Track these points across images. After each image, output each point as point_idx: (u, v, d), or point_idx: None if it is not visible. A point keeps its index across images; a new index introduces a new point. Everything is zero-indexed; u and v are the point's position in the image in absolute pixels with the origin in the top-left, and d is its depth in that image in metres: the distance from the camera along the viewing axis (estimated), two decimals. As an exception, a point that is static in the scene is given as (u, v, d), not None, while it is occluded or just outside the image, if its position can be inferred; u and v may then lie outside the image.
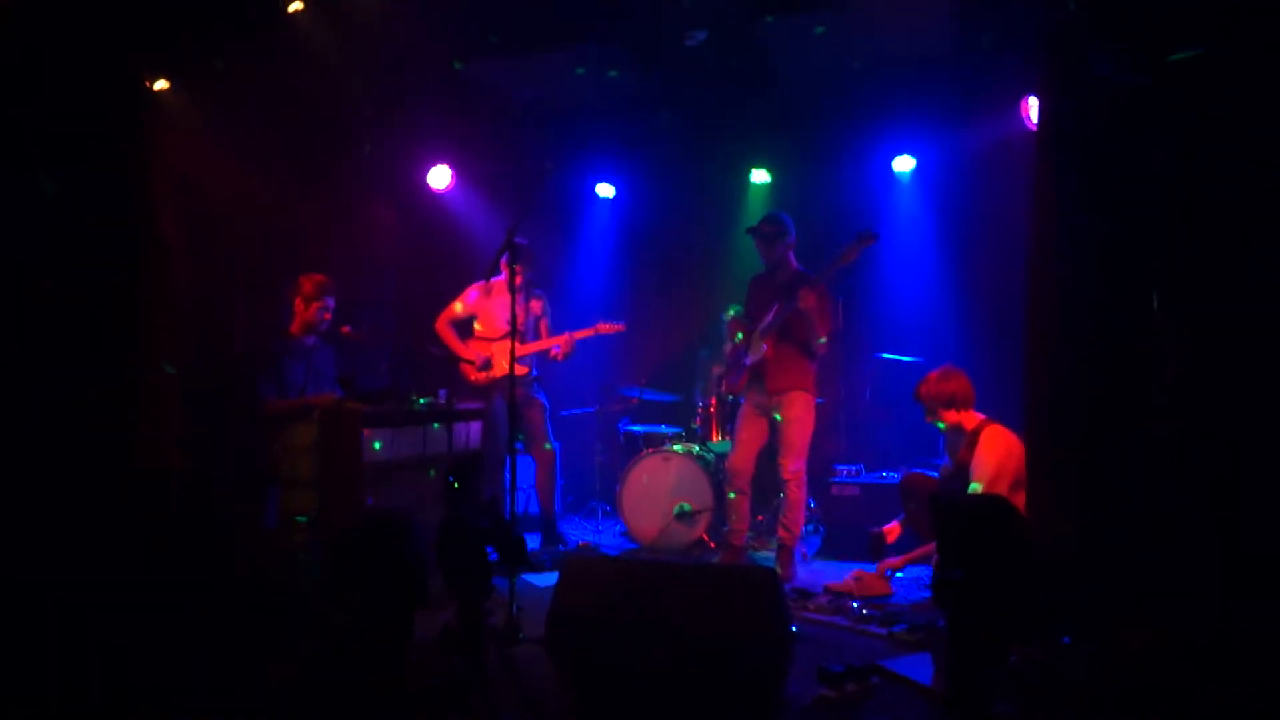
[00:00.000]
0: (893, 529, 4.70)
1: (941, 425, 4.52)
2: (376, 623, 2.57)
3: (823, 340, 4.92)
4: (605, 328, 5.58)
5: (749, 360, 5.11)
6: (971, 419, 4.45)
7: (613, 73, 5.80)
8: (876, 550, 4.62)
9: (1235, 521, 2.87)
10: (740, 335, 5.33)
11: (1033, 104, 4.97)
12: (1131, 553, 3.11)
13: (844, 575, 4.72)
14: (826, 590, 4.53)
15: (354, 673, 2.70)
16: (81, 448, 3.95)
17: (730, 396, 5.46)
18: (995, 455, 4.25)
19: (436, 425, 4.68)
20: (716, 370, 6.12)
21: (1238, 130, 3.03)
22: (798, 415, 4.97)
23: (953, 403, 4.43)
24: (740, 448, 5.15)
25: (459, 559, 2.68)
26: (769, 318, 5.02)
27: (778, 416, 5.06)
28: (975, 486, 4.26)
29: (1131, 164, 3.26)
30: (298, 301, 4.80)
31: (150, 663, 3.09)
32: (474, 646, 2.63)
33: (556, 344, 5.47)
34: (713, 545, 5.50)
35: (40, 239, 4.00)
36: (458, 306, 5.63)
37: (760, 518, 5.72)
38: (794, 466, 4.97)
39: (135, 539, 3.78)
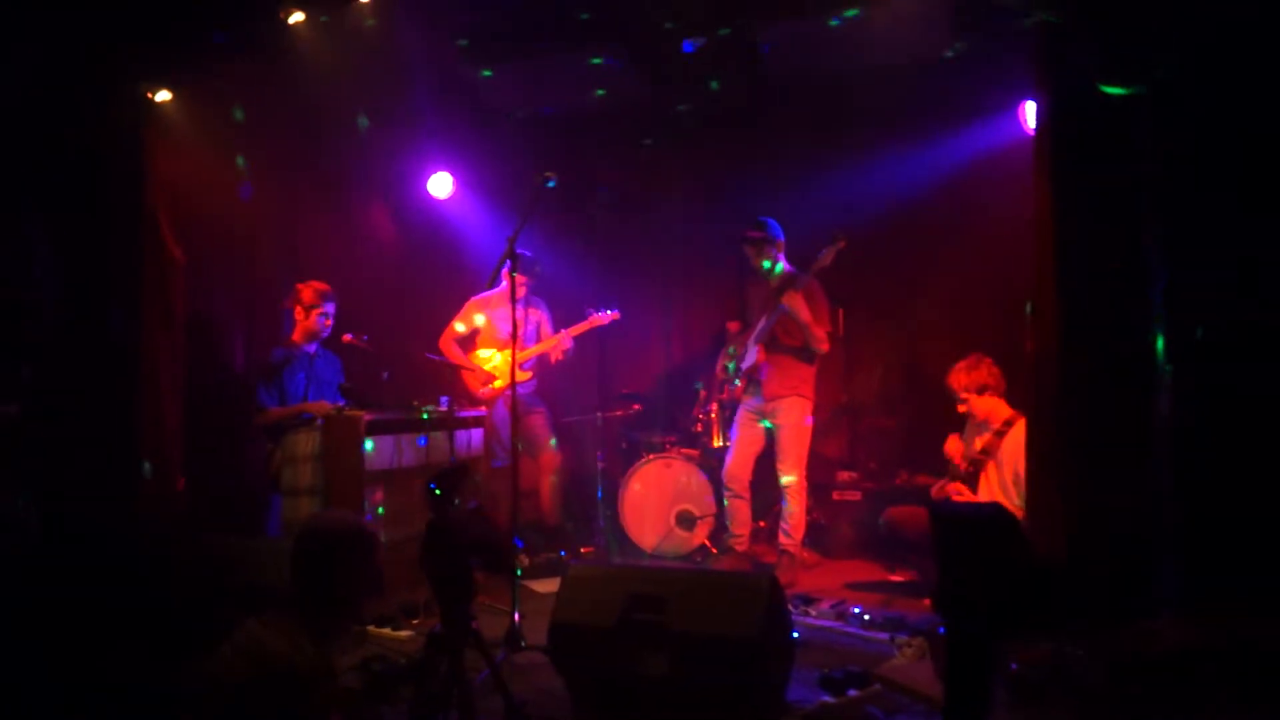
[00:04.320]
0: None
1: (975, 415, 4.46)
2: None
3: (821, 341, 4.91)
4: (598, 318, 5.59)
5: (744, 365, 5.13)
6: (1003, 409, 4.43)
7: (600, 92, 5.84)
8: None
9: (1235, 528, 2.88)
10: (732, 351, 5.36)
11: (1029, 108, 4.97)
12: (1130, 559, 3.12)
13: (847, 581, 4.71)
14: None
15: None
16: (85, 465, 3.97)
17: (729, 400, 5.48)
18: None
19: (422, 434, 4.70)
20: (718, 375, 6.14)
21: (1230, 135, 3.05)
22: (793, 422, 4.97)
23: (985, 389, 4.42)
24: (737, 453, 5.16)
25: (441, 566, 2.70)
26: (761, 322, 5.04)
27: (766, 424, 5.08)
28: (1018, 479, 4.19)
29: (1126, 167, 3.27)
30: (298, 310, 4.82)
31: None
32: (458, 652, 2.64)
33: (554, 344, 5.49)
34: (715, 551, 5.50)
35: (43, 255, 4.02)
36: (458, 323, 5.65)
37: (762, 524, 5.72)
38: (791, 475, 4.97)
39: (141, 552, 3.79)
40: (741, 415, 5.19)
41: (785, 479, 4.97)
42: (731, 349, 5.44)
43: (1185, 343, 3.10)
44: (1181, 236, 3.14)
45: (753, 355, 5.08)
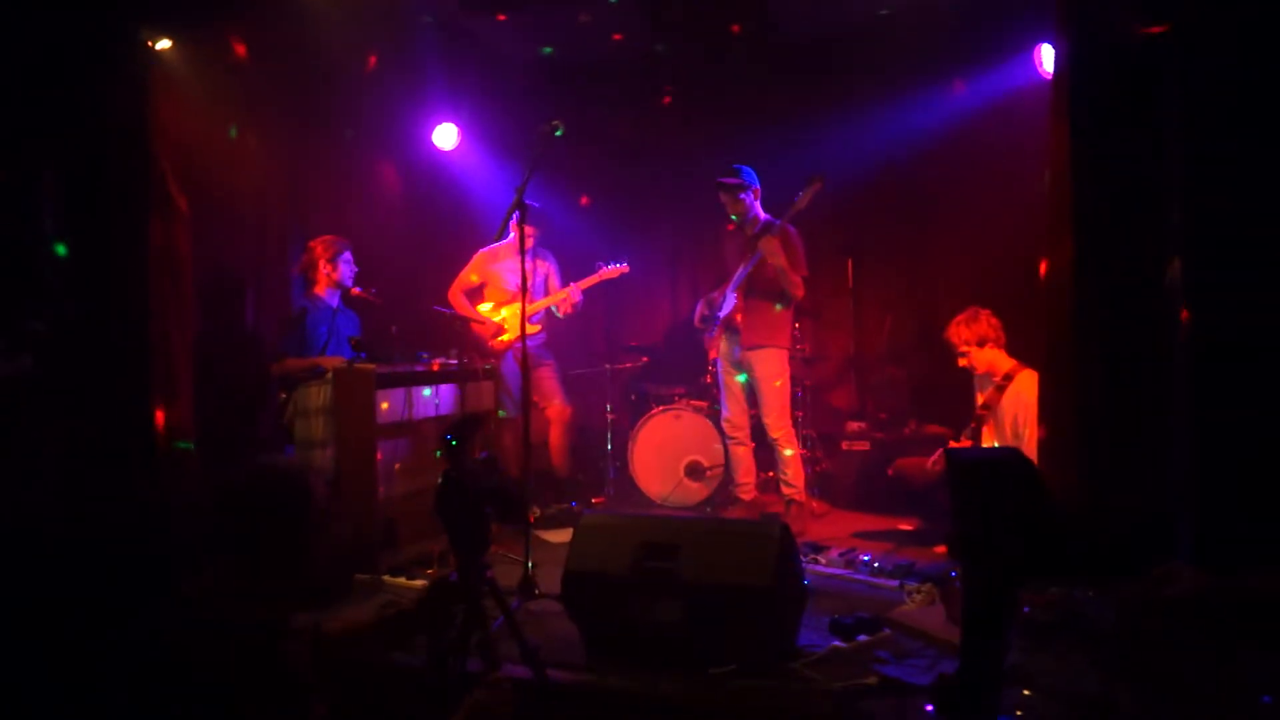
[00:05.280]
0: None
1: (974, 368, 4.46)
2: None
3: (797, 287, 4.92)
4: (607, 271, 5.57)
5: (721, 314, 5.15)
6: (1004, 362, 4.41)
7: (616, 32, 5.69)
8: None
9: (1246, 474, 2.88)
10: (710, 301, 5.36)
11: (1046, 52, 4.88)
12: (1144, 505, 3.12)
13: (856, 529, 4.74)
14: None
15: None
16: (98, 418, 3.99)
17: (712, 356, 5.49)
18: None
19: (427, 390, 4.71)
20: (696, 325, 6.12)
21: (1250, 80, 2.99)
22: (771, 372, 5.00)
23: (985, 342, 4.40)
24: (731, 402, 5.21)
25: (456, 515, 2.74)
26: (738, 270, 5.04)
27: (742, 378, 5.11)
28: (1019, 432, 4.23)
29: (1147, 112, 3.22)
30: (322, 263, 4.84)
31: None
32: (476, 598, 2.68)
33: (563, 297, 5.48)
34: (724, 501, 5.54)
35: (49, 205, 4.00)
36: (467, 274, 5.62)
37: (771, 474, 5.76)
38: (778, 425, 5.01)
39: (155, 511, 3.82)
40: (721, 365, 5.24)
41: (773, 432, 5.01)
42: (710, 298, 5.42)
43: (1208, 293, 3.06)
44: (1207, 189, 3.08)
45: (730, 303, 5.09)
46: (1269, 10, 3.02)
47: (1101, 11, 3.23)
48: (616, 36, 5.68)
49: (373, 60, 5.62)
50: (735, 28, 5.84)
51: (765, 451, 5.43)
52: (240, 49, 4.83)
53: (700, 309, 5.49)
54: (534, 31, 6.10)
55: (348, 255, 4.90)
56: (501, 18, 5.70)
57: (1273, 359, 2.92)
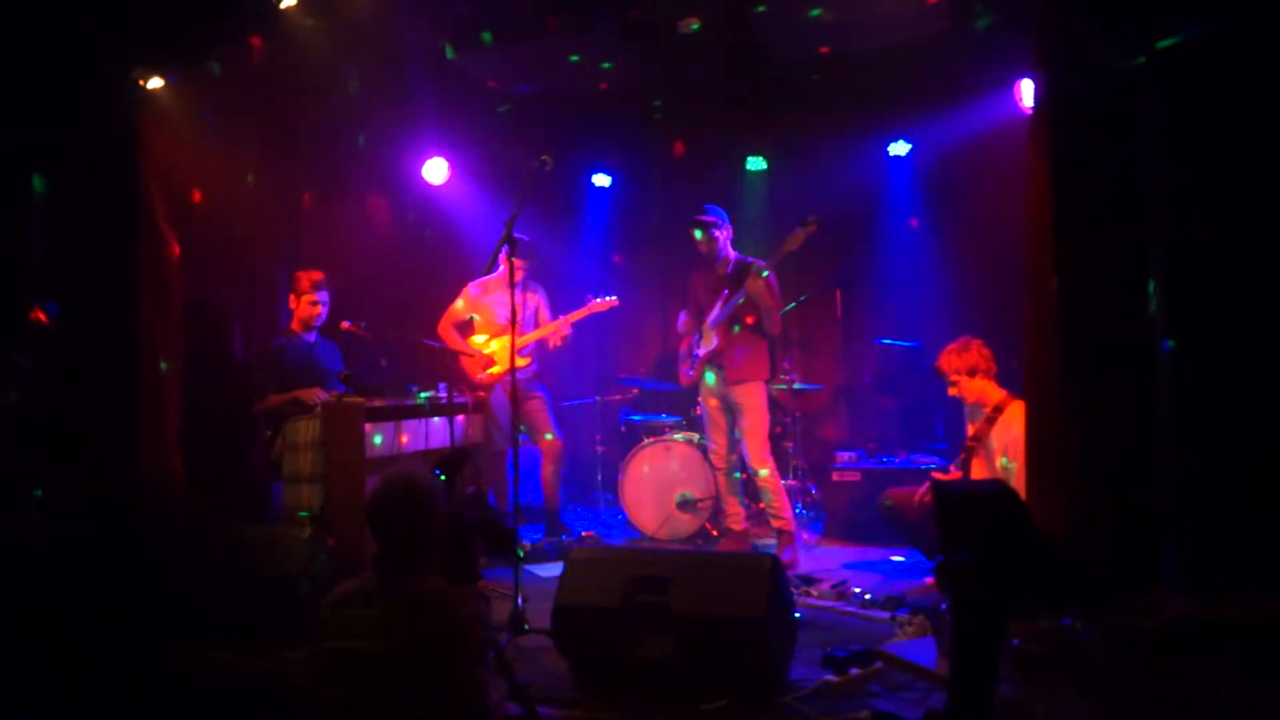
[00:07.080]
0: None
1: (965, 397, 4.47)
2: None
3: (777, 324, 5.00)
4: (597, 304, 5.58)
5: (701, 352, 5.17)
6: (994, 393, 4.42)
7: (606, 64, 5.76)
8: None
9: (1233, 503, 2.90)
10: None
11: (1026, 87, 4.96)
12: (1131, 535, 3.13)
13: (847, 561, 4.72)
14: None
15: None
16: (86, 453, 3.97)
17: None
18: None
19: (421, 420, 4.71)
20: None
21: (1229, 111, 3.05)
22: (755, 405, 5.04)
23: (975, 372, 4.41)
24: (716, 434, 5.22)
25: (445, 550, 2.72)
26: (718, 309, 5.07)
27: (728, 408, 5.12)
28: (1007, 464, 4.24)
29: (1125, 145, 3.27)
30: (291, 298, 4.85)
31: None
32: None
33: (553, 330, 5.49)
34: (715, 533, 5.52)
35: (38, 241, 4.01)
36: (458, 305, 5.63)
37: (760, 505, 5.75)
38: (759, 457, 5.02)
39: (140, 540, 3.80)
40: (705, 399, 5.26)
41: (755, 465, 5.02)
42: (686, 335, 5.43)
43: (1188, 324, 3.10)
44: (1184, 217, 3.13)
45: (714, 341, 5.11)
46: (1243, 38, 3.08)
47: (1079, 46, 3.30)
48: (602, 86, 5.74)
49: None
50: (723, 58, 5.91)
51: (754, 482, 5.43)
52: (231, 87, 4.86)
53: (683, 346, 5.50)
54: (524, 68, 6.17)
55: (322, 296, 4.86)
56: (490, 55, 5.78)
57: (1250, 376, 2.95)
